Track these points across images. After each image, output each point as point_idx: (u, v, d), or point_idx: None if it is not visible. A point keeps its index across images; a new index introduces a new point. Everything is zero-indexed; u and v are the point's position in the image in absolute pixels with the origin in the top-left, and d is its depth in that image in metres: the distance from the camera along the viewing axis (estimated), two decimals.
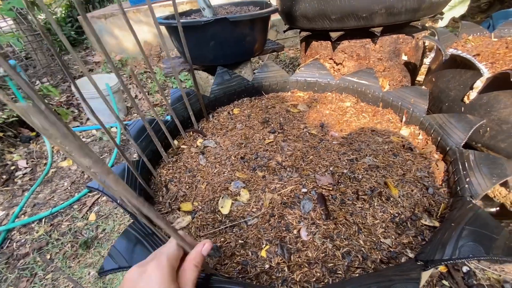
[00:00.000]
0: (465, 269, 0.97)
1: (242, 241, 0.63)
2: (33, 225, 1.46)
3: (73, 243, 1.33)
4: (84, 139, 2.22)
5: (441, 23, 2.40)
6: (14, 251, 1.33)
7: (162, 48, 3.50)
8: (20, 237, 1.40)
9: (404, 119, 0.99)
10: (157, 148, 0.86)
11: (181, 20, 1.25)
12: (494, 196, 0.93)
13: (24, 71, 2.96)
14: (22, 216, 1.54)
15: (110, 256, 0.49)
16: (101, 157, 2.02)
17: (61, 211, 1.53)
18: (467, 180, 0.64)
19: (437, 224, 0.62)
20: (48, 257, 1.29)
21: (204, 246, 0.43)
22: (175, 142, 0.97)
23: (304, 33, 1.54)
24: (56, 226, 1.45)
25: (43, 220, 1.48)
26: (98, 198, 1.59)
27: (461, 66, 0.93)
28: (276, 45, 1.59)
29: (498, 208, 0.97)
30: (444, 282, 0.94)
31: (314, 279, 0.55)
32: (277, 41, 3.32)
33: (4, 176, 1.82)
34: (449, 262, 0.45)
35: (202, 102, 1.03)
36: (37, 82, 3.16)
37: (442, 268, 0.98)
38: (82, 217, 1.47)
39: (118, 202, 0.59)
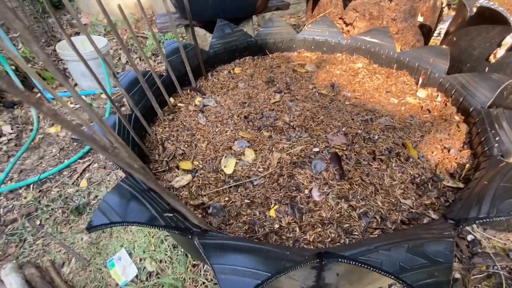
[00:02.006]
0: (469, 237, 0.95)
1: (249, 201, 0.58)
2: (20, 191, 1.39)
3: (64, 209, 1.27)
4: (72, 106, 2.09)
5: None
6: (1, 216, 1.27)
7: (146, 11, 3.26)
8: (7, 203, 1.33)
9: (420, 81, 0.91)
10: (151, 103, 0.77)
11: None
12: None
13: (5, 34, 2.72)
14: (9, 182, 1.46)
15: (100, 210, 0.42)
16: (92, 124, 1.91)
17: (50, 177, 1.45)
18: (497, 139, 0.59)
19: (461, 185, 0.57)
20: (38, 223, 1.24)
21: None
22: (171, 99, 0.88)
23: None
24: (46, 192, 1.38)
25: (31, 186, 1.41)
26: (89, 165, 1.52)
27: (488, 21, 0.84)
28: (280, 2, 1.45)
29: None
30: None
31: (329, 239, 0.50)
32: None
33: None
34: (485, 220, 0.40)
35: (200, 57, 0.93)
36: (20, 45, 2.93)
37: None
38: (72, 183, 1.40)
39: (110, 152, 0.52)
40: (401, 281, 0.33)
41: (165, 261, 0.99)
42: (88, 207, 1.26)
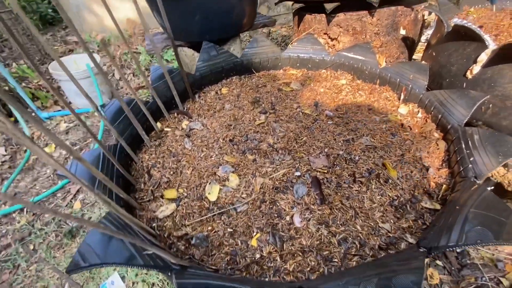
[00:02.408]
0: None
1: (231, 230, 0.59)
2: (14, 215, 1.39)
3: (57, 233, 1.27)
4: (66, 124, 2.10)
5: None
6: None
7: (142, 23, 3.29)
8: (1, 228, 1.33)
9: (402, 97, 0.93)
10: (138, 131, 0.79)
11: None
12: (492, 175, 0.90)
13: None
14: (3, 205, 1.46)
15: (80, 252, 0.43)
16: (85, 142, 1.92)
17: (44, 200, 1.45)
18: (471, 159, 0.60)
19: (438, 206, 0.59)
20: (32, 247, 1.24)
21: None
22: (158, 124, 0.90)
23: (297, 5, 1.43)
24: (39, 216, 1.38)
25: (25, 209, 1.41)
26: None
27: (464, 38, 0.87)
28: (267, 19, 1.48)
29: (493, 187, 0.95)
30: (438, 262, 0.94)
31: (308, 268, 0.51)
32: None
33: None
34: (454, 248, 0.42)
35: (186, 81, 0.95)
36: (13, 64, 2.95)
37: None
38: (66, 205, 1.40)
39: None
40: None
41: (157, 285, 0.99)
42: (81, 229, 1.27)
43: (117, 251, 0.45)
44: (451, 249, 0.41)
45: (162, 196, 0.67)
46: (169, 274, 0.44)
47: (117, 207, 0.54)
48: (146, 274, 1.02)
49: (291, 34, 3.05)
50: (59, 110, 2.21)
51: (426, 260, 0.44)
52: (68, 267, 0.42)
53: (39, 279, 1.11)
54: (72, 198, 1.45)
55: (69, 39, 3.58)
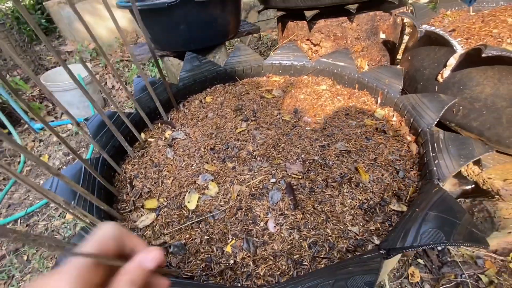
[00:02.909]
0: (439, 246, 0.98)
1: (208, 237, 0.61)
2: (8, 226, 1.41)
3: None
4: (61, 134, 2.13)
5: None
6: None
7: (121, 36, 3.33)
8: None
9: (379, 101, 0.96)
10: (121, 143, 0.81)
11: (146, 3, 1.16)
12: (468, 175, 0.93)
13: None
14: None
15: (58, 265, 0.46)
16: (79, 151, 1.94)
17: (37, 211, 1.48)
18: (436, 162, 0.63)
19: (405, 208, 0.61)
20: (25, 258, 1.26)
21: (149, 256, 0.27)
22: (142, 135, 0.92)
23: (280, 13, 1.46)
24: (33, 226, 1.40)
25: (19, 220, 1.43)
26: None
27: (435, 43, 0.90)
28: (251, 27, 1.51)
29: (473, 186, 0.98)
30: (419, 260, 0.96)
31: (278, 272, 0.53)
32: (258, 22, 3.20)
33: None
34: (410, 250, 0.44)
35: (169, 91, 0.98)
36: (7, 76, 2.98)
37: None
38: (59, 215, 1.42)
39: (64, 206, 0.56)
40: None
41: None
42: (72, 239, 1.29)
43: None
44: (407, 250, 0.44)
45: (142, 206, 0.69)
46: None
47: (94, 219, 0.56)
48: None
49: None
50: (52, 121, 2.24)
51: (389, 260, 0.46)
52: None
53: None
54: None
55: (62, 49, 3.60)
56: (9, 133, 2.08)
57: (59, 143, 2.02)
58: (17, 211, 1.49)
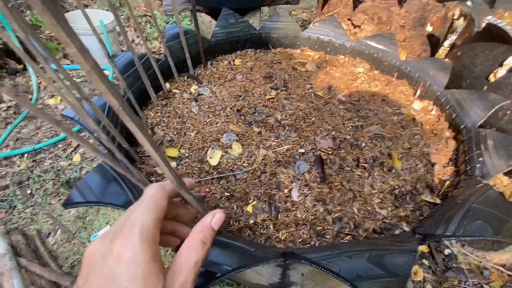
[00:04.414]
0: (447, 251, 0.97)
1: (228, 194, 0.59)
2: (14, 159, 1.41)
3: (55, 181, 1.29)
4: (75, 79, 2.09)
5: None
6: None
7: None
8: (1, 169, 1.35)
9: (418, 93, 0.91)
10: (146, 87, 0.77)
11: None
12: (495, 185, 0.89)
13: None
14: (4, 148, 1.48)
15: (78, 189, 0.43)
16: (91, 98, 1.91)
17: (45, 149, 1.46)
18: (480, 159, 0.59)
19: (438, 201, 0.58)
20: (29, 192, 1.26)
21: (214, 217, 0.30)
22: (167, 85, 0.88)
23: None
24: (39, 163, 1.39)
25: (26, 155, 1.43)
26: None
27: (495, 39, 0.83)
28: None
29: None
30: (424, 261, 0.95)
31: (300, 240, 0.51)
32: None
33: None
34: (451, 238, 0.41)
35: (201, 45, 0.93)
36: (27, 11, 2.90)
37: (424, 248, 0.98)
38: (66, 157, 1.41)
39: (95, 135, 0.53)
40: None
41: None
42: (79, 181, 1.28)
43: (115, 193, 0.45)
44: (446, 239, 0.41)
45: (163, 153, 0.66)
46: None
47: (121, 156, 0.54)
48: None
49: (311, 19, 2.95)
50: (68, 64, 2.19)
51: (420, 247, 0.44)
52: (65, 201, 0.43)
53: (33, 222, 1.13)
54: (72, 151, 1.46)
55: None
56: (25, 68, 2.04)
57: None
58: (24, 146, 1.48)
